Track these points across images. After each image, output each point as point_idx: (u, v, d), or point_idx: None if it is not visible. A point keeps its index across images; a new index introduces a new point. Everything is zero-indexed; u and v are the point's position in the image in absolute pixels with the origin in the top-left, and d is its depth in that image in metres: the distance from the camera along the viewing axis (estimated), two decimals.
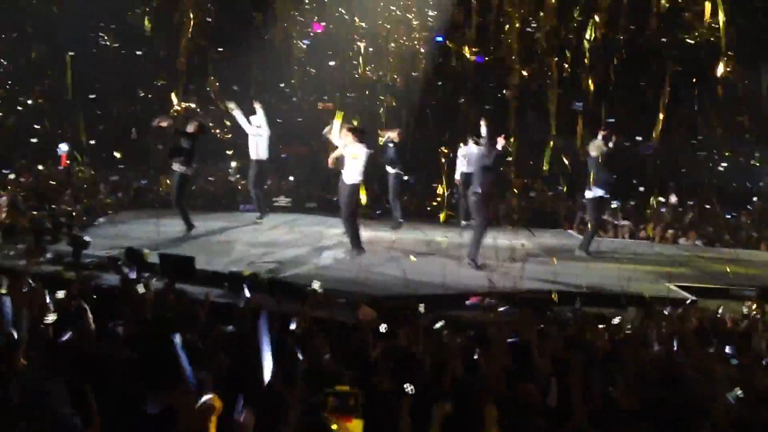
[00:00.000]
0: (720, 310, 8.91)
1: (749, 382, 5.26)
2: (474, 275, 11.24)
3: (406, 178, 15.87)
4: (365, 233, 13.13)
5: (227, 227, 14.06)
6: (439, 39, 22.86)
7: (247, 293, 7.56)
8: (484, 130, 12.35)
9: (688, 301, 10.20)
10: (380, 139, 15.26)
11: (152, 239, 12.16)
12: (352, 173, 11.71)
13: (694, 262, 13.66)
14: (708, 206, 18.71)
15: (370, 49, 21.97)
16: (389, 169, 15.02)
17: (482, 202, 11.86)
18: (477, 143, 13.46)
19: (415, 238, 14.21)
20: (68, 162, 17.70)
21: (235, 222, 14.78)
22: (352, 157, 11.70)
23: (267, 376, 4.25)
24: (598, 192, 13.16)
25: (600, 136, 13.36)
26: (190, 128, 13.16)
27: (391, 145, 14.91)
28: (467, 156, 15.15)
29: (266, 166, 15.00)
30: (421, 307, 7.16)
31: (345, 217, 11.93)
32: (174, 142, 13.34)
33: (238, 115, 14.31)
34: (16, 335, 4.71)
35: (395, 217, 15.20)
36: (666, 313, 8.67)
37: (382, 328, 6.52)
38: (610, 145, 13.25)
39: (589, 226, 13.78)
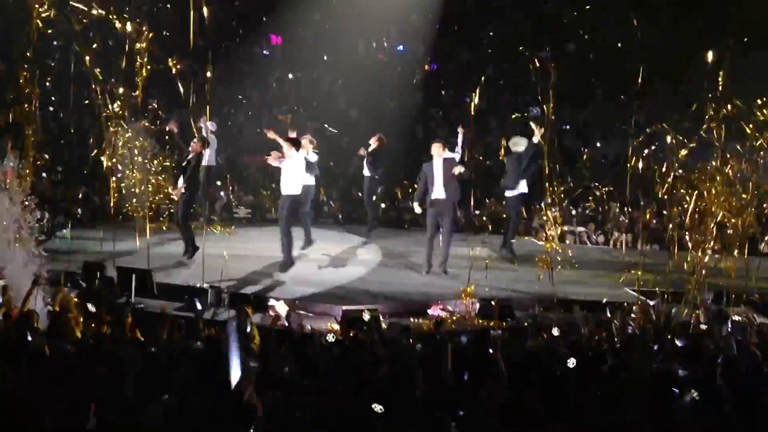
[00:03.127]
0: (672, 312, 9.05)
1: (703, 384, 5.35)
2: (435, 284, 11.34)
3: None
4: (335, 241, 13.50)
5: None
6: (400, 48, 23.06)
7: (199, 305, 7.49)
8: (460, 138, 13.34)
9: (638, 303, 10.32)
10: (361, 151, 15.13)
11: (110, 253, 12.04)
12: (291, 184, 11.56)
13: (652, 266, 13.82)
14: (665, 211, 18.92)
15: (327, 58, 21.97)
16: (365, 173, 15.04)
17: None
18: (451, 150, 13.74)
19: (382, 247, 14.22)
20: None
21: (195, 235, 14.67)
22: (289, 168, 11.55)
23: (234, 380, 4.26)
24: (520, 189, 13.28)
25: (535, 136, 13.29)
26: (191, 146, 12.61)
27: (369, 149, 14.93)
28: None
29: (215, 172, 15.09)
30: (366, 315, 7.12)
31: (283, 229, 11.64)
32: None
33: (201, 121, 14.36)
34: None
35: (370, 220, 15.24)
36: (620, 316, 8.79)
37: (330, 336, 6.53)
38: (535, 140, 13.18)
39: (510, 224, 13.86)
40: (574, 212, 17.54)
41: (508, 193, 13.41)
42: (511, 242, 13.63)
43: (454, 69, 23.41)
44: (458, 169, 11.86)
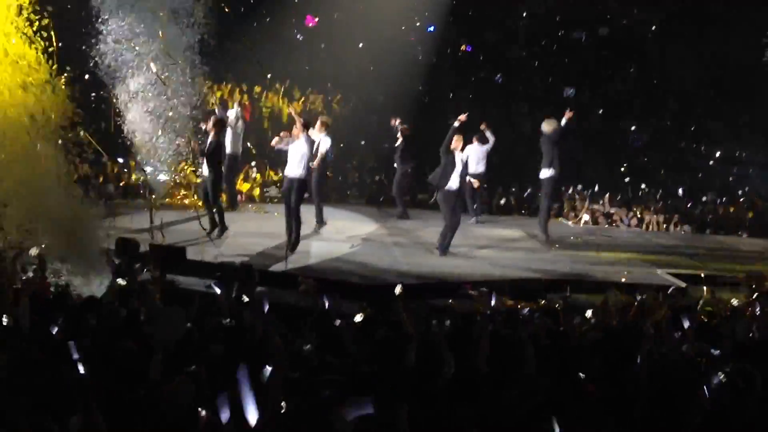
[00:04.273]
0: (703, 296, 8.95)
1: (732, 367, 5.29)
2: (465, 265, 11.32)
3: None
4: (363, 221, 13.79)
5: None
6: (431, 29, 22.90)
7: (218, 289, 7.51)
8: (488, 133, 14.59)
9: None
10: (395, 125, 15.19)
11: (144, 230, 12.16)
12: (295, 167, 11.45)
13: (684, 249, 13.72)
14: (705, 198, 18.77)
15: (360, 45, 21.82)
16: (396, 165, 15.17)
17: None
18: (482, 141, 14.55)
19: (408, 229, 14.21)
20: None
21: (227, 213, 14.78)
22: (295, 150, 11.45)
23: (253, 422, 4.22)
24: (552, 171, 13.19)
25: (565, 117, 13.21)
26: (208, 125, 12.79)
27: (399, 139, 14.99)
28: (474, 155, 15.11)
29: (239, 160, 15.15)
30: (398, 288, 7.08)
31: (293, 212, 11.54)
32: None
33: (218, 110, 14.39)
34: None
35: (401, 211, 15.36)
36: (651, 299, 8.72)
37: (359, 317, 6.50)
38: (563, 122, 13.13)
39: (541, 206, 13.79)
40: (607, 195, 17.44)
41: (542, 175, 13.32)
42: (545, 224, 13.55)
43: (486, 50, 23.28)
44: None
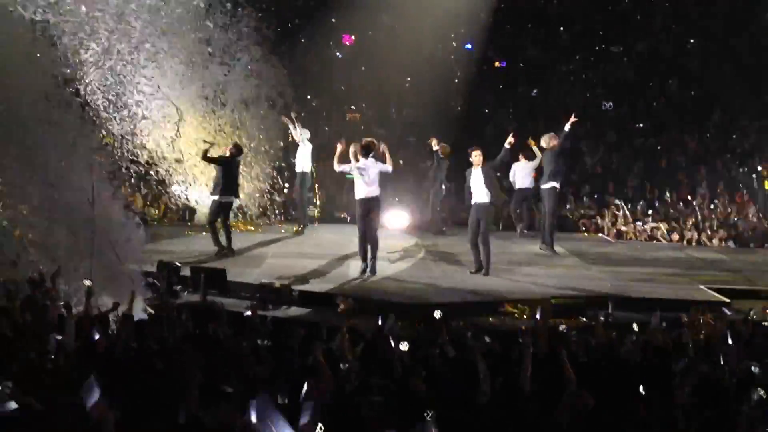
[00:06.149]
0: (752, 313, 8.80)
1: None
2: (504, 283, 11.26)
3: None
4: (400, 239, 13.86)
5: (258, 239, 14.12)
6: (468, 47, 22.96)
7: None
8: (535, 149, 13.97)
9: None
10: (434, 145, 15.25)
11: (184, 252, 12.28)
12: (357, 189, 11.47)
13: (727, 264, 13.50)
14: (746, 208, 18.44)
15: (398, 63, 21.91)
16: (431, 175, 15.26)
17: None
18: (528, 159, 14.37)
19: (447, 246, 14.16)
20: None
21: (265, 234, 14.87)
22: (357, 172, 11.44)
23: None
24: (552, 182, 13.01)
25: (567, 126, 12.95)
26: (226, 149, 13.05)
27: (435, 159, 15.10)
28: (521, 171, 14.93)
29: (310, 178, 15.29)
30: (437, 313, 7.07)
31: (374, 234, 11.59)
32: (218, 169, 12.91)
33: (293, 127, 14.55)
34: None
35: (437, 224, 15.48)
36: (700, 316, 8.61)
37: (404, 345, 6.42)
38: (566, 128, 12.88)
39: (546, 220, 13.52)
40: (649, 210, 17.26)
41: (543, 185, 13.19)
42: (551, 237, 13.36)
43: (524, 65, 23.27)
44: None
